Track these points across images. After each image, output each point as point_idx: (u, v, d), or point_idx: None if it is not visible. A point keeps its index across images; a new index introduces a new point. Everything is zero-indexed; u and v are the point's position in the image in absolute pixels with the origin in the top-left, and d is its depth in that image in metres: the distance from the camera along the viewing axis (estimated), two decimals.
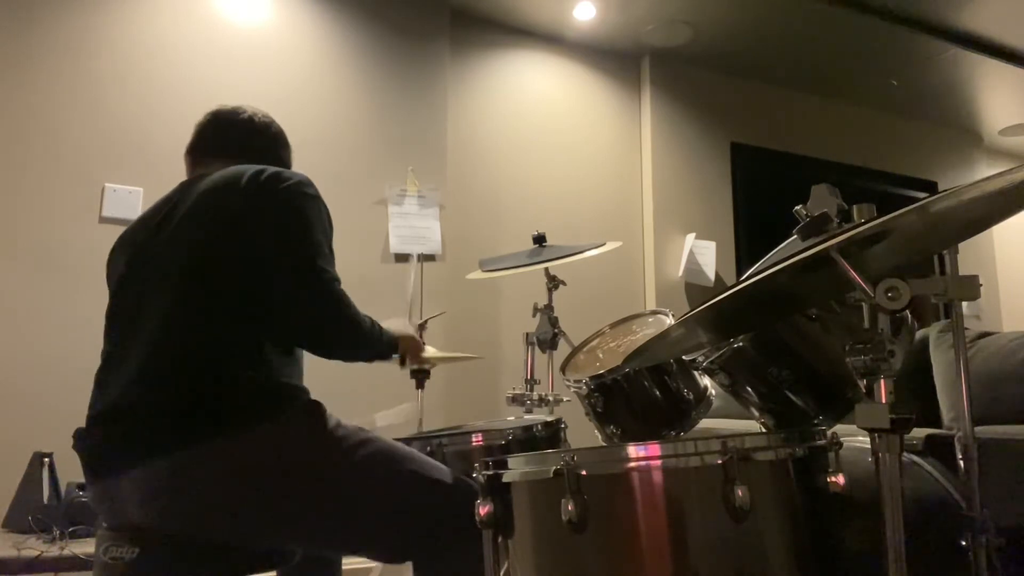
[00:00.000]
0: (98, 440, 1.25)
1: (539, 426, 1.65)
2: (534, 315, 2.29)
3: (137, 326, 1.29)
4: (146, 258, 1.35)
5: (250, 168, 1.37)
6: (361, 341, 1.38)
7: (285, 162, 1.61)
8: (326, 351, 1.35)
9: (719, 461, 0.98)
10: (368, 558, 1.37)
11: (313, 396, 1.35)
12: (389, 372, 2.71)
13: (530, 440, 1.61)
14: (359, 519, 1.28)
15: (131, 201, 2.61)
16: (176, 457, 1.18)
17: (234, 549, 1.26)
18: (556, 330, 2.24)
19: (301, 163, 3.19)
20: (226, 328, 1.26)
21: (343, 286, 1.34)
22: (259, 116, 1.60)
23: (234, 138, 1.55)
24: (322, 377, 1.50)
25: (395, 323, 1.53)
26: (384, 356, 1.48)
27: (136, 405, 1.22)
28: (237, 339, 1.27)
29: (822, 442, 1.08)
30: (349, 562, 1.53)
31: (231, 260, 1.29)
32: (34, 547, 1.89)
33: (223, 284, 1.28)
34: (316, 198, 1.38)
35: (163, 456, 1.18)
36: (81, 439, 1.27)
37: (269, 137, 1.59)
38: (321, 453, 1.28)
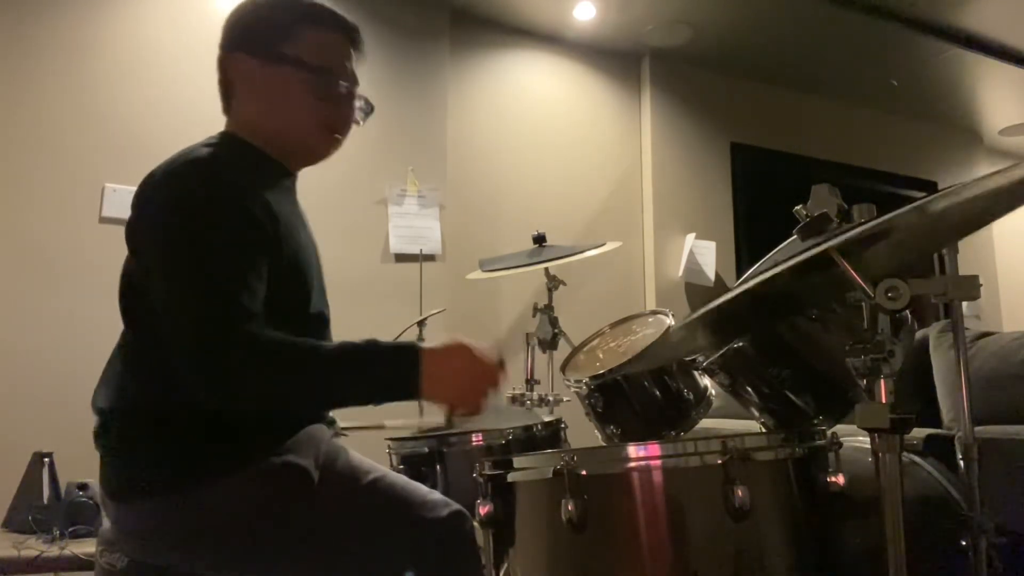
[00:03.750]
0: (99, 452, 1.19)
1: (539, 426, 1.66)
2: (534, 315, 2.29)
3: (117, 346, 1.21)
4: (123, 269, 1.22)
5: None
6: (301, 397, 1.08)
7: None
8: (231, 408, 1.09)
9: (719, 461, 0.98)
10: None
11: None
12: None
13: (530, 440, 1.61)
14: (345, 567, 1.19)
15: (131, 201, 2.60)
16: (137, 506, 1.11)
17: None
18: (556, 330, 2.24)
19: None
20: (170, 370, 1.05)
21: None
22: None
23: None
24: None
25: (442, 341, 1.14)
26: (378, 397, 1.09)
27: (107, 438, 1.16)
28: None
29: (822, 442, 1.08)
30: None
31: (136, 298, 1.14)
32: (34, 547, 1.89)
33: (142, 322, 1.14)
34: (187, 198, 1.08)
35: (127, 501, 1.12)
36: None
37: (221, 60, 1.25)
38: (297, 516, 1.15)
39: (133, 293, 1.16)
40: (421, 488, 1.26)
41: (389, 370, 1.08)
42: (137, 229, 1.15)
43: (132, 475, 1.12)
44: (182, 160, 1.13)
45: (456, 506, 1.23)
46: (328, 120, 1.24)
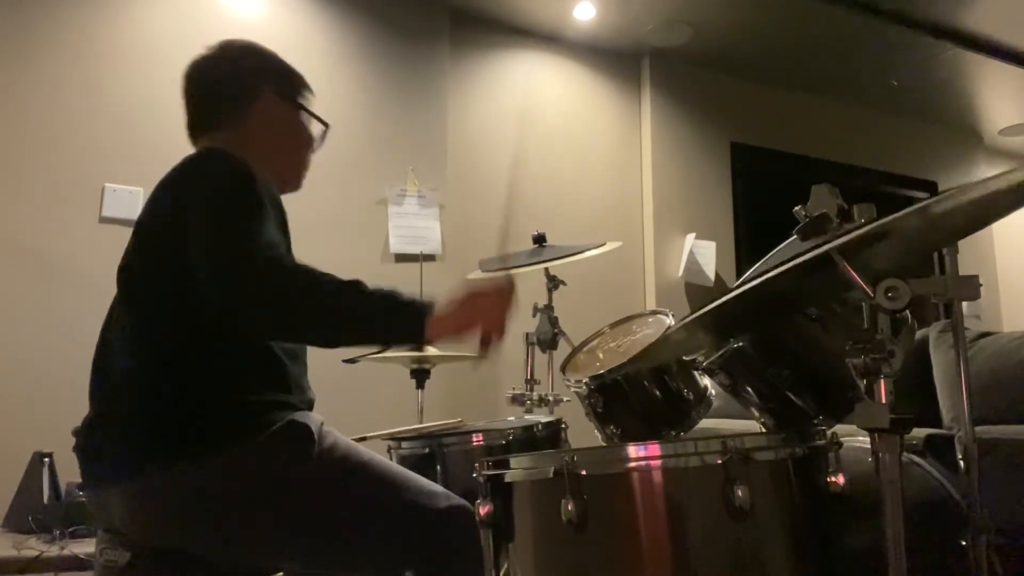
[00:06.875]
0: (87, 447, 1.23)
1: (539, 426, 1.66)
2: (534, 315, 2.29)
3: (111, 335, 1.28)
4: (123, 261, 1.30)
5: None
6: (305, 318, 1.13)
7: (252, 102, 1.39)
8: (259, 333, 1.19)
9: (719, 461, 0.98)
10: None
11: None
12: (387, 372, 2.70)
13: (530, 440, 1.61)
14: (348, 548, 1.22)
15: (131, 201, 2.60)
16: (148, 479, 1.15)
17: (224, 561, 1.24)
18: (556, 330, 2.24)
19: None
20: (183, 343, 1.18)
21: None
22: (221, 60, 1.44)
23: (204, 105, 1.43)
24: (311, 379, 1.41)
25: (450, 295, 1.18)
26: (392, 339, 1.21)
27: (110, 421, 1.21)
28: (198, 354, 1.17)
29: (822, 442, 1.08)
30: None
31: (157, 269, 1.22)
32: (34, 547, 1.89)
33: (160, 300, 1.21)
34: (229, 175, 1.22)
35: (137, 476, 1.15)
36: (76, 442, 1.25)
37: (232, 88, 1.41)
38: (300, 481, 1.20)
39: (137, 271, 1.24)
40: (419, 477, 1.28)
41: (398, 309, 1.15)
42: (184, 189, 1.24)
43: (150, 451, 1.15)
44: (222, 152, 1.28)
45: (459, 500, 1.24)
46: (306, 166, 1.49)
